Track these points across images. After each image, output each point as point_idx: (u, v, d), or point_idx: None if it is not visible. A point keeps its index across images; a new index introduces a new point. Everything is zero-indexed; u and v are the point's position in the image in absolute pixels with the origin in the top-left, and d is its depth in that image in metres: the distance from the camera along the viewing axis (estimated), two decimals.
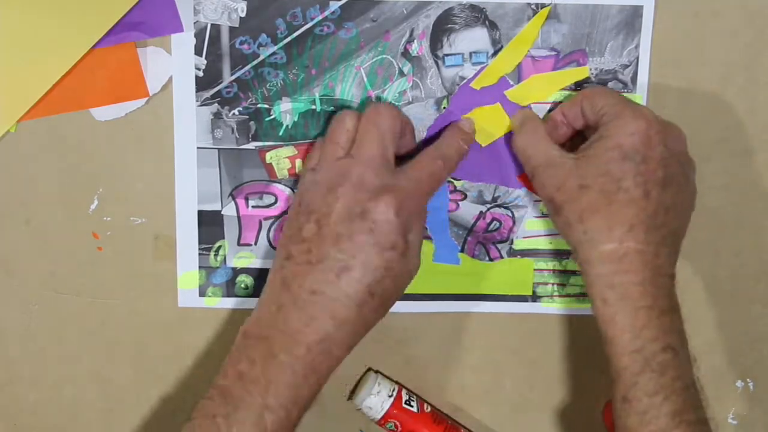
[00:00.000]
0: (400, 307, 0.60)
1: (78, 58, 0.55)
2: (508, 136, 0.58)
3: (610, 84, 0.58)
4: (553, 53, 0.58)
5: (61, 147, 0.58)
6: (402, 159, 0.55)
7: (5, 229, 0.59)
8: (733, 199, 0.61)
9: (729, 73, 0.59)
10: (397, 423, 0.60)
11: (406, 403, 0.60)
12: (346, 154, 0.53)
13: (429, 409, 0.61)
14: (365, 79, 0.58)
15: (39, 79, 0.56)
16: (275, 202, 0.59)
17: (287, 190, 0.59)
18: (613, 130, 0.52)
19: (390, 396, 0.60)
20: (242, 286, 0.61)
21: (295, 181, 0.59)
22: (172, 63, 0.57)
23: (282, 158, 0.59)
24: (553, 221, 0.54)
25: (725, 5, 0.58)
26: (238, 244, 0.60)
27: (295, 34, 0.57)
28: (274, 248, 0.60)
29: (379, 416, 0.60)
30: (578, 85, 0.58)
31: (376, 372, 0.62)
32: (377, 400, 0.60)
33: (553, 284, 0.61)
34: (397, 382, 0.62)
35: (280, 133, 0.58)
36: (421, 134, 0.58)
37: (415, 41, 0.57)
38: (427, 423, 0.60)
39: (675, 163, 0.52)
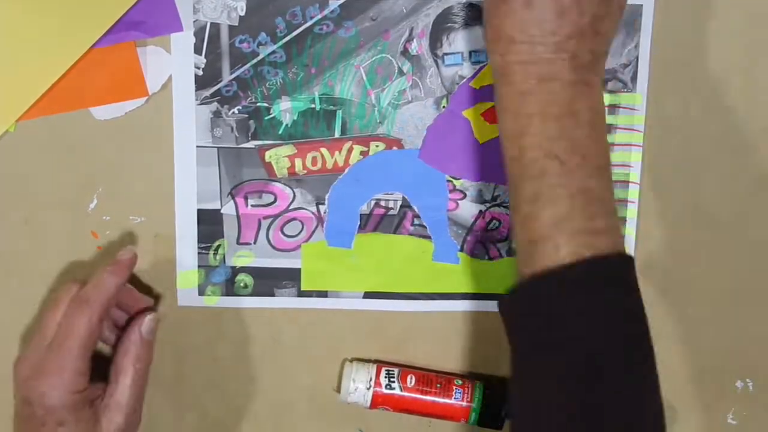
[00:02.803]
0: (399, 306, 0.61)
1: (78, 57, 0.55)
2: None
3: (609, 84, 0.58)
4: None
5: (61, 147, 0.58)
6: None
7: (5, 229, 0.59)
8: (733, 199, 0.61)
9: (729, 73, 0.59)
10: (388, 407, 0.60)
11: (387, 387, 0.60)
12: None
13: (413, 382, 0.60)
14: (365, 78, 0.58)
15: (39, 78, 0.56)
16: (274, 201, 0.59)
17: (287, 189, 0.59)
18: None
19: (368, 388, 0.60)
20: (241, 285, 0.61)
21: (295, 180, 0.59)
22: (171, 62, 0.57)
23: (281, 157, 0.59)
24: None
25: (725, 5, 0.58)
26: (238, 243, 0.60)
27: (295, 33, 0.57)
28: (273, 247, 0.60)
29: (367, 405, 0.60)
30: None
31: (351, 361, 0.61)
32: (358, 394, 0.60)
33: None
34: (376, 361, 0.61)
35: (280, 132, 0.58)
36: (421, 133, 0.58)
37: (415, 40, 0.57)
38: (414, 399, 0.60)
39: None
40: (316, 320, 0.61)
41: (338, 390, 0.62)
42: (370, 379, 0.60)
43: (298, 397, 0.63)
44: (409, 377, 0.60)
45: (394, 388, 0.60)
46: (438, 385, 0.60)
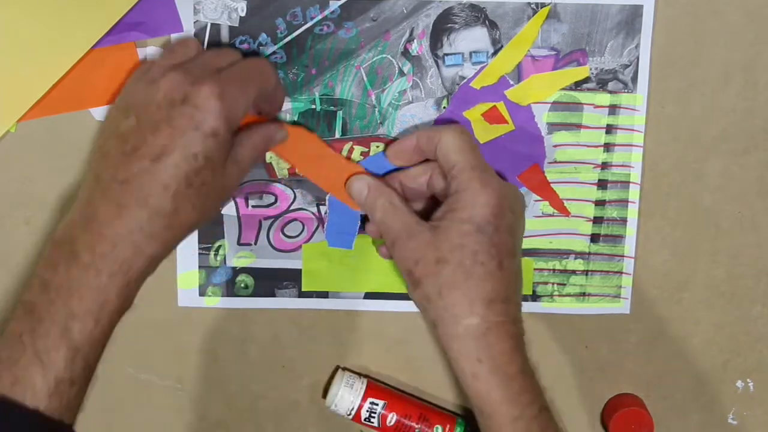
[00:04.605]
0: (399, 306, 0.61)
1: (78, 58, 0.55)
2: (508, 135, 0.58)
3: (610, 84, 0.58)
4: (553, 53, 0.58)
5: (61, 147, 0.58)
6: None
7: (5, 229, 0.59)
8: (733, 199, 0.61)
9: (729, 73, 0.59)
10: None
11: (366, 420, 0.60)
12: (176, 60, 0.51)
13: (393, 421, 0.60)
14: (365, 79, 0.58)
15: (39, 79, 0.56)
16: (275, 201, 0.59)
17: (287, 190, 0.59)
18: (464, 203, 0.52)
19: (348, 415, 0.60)
20: (242, 285, 0.60)
21: (296, 180, 0.59)
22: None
23: None
24: (412, 295, 0.53)
25: (725, 5, 0.58)
26: (238, 243, 0.60)
27: (295, 34, 0.57)
28: (274, 248, 0.60)
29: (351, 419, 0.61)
30: (578, 85, 0.58)
31: (343, 371, 0.61)
32: (340, 413, 0.60)
33: (552, 284, 0.61)
34: (365, 376, 0.61)
35: None
36: None
37: (415, 41, 0.57)
38: None
39: (520, 227, 0.54)
40: (316, 320, 0.61)
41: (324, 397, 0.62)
42: (352, 409, 0.60)
43: (298, 397, 0.63)
44: (390, 417, 0.60)
45: (373, 423, 0.60)
46: (417, 430, 0.60)
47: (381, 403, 0.60)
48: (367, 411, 0.60)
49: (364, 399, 0.60)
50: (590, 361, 0.62)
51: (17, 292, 0.60)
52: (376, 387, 0.61)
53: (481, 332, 0.51)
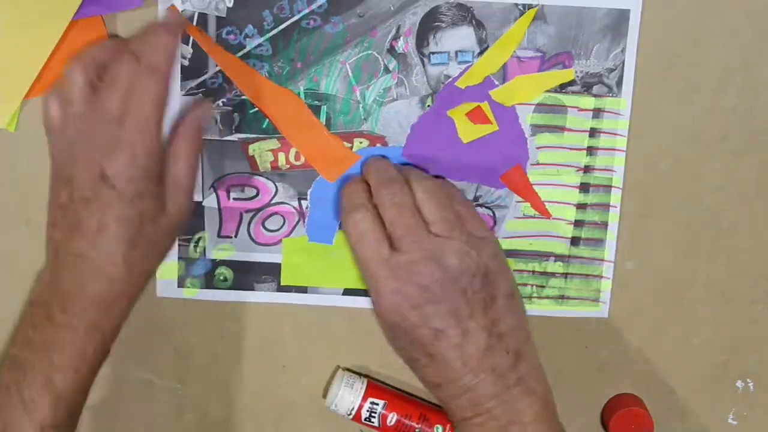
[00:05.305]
0: None
1: (61, 32, 0.55)
2: (491, 135, 0.58)
3: (594, 88, 0.58)
4: (539, 54, 0.58)
5: None
6: None
7: (5, 229, 0.59)
8: (733, 199, 0.61)
9: (729, 73, 0.59)
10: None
11: (366, 420, 0.60)
12: (77, 112, 0.52)
13: (394, 421, 0.60)
14: (350, 75, 0.58)
15: (31, 59, 0.55)
16: (257, 194, 0.59)
17: (269, 183, 0.59)
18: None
19: (349, 415, 0.60)
20: (221, 278, 0.60)
21: (278, 174, 0.59)
22: None
23: (265, 151, 0.58)
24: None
25: (725, 5, 0.58)
26: (219, 236, 0.60)
27: (282, 27, 0.57)
28: (254, 241, 0.60)
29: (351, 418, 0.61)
30: (563, 87, 0.58)
31: (343, 371, 0.61)
32: (340, 412, 0.60)
33: (532, 285, 0.61)
34: (365, 376, 0.61)
35: (264, 126, 0.58)
36: (405, 132, 0.58)
37: (401, 38, 0.57)
38: None
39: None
40: (316, 319, 0.61)
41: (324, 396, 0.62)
42: (352, 409, 0.60)
43: (298, 397, 0.63)
44: (390, 416, 0.60)
45: (373, 423, 0.60)
46: (417, 430, 0.60)
47: (381, 402, 0.60)
48: (368, 411, 0.60)
49: (364, 399, 0.60)
50: (590, 361, 0.62)
51: (17, 292, 0.59)
52: (376, 387, 0.61)
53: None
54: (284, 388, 0.62)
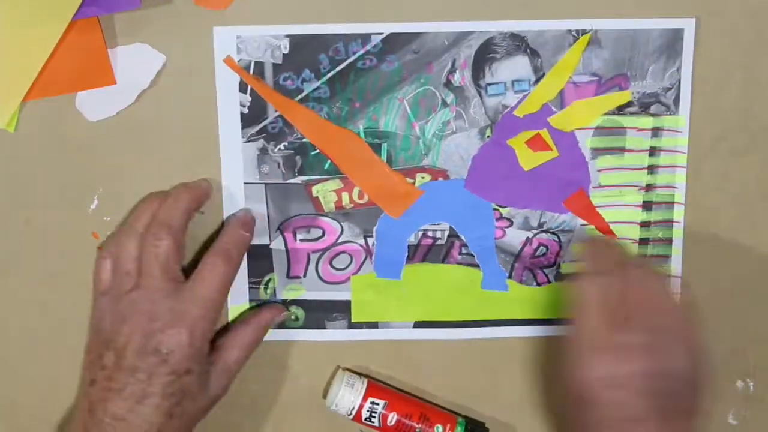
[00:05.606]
0: (450, 335, 0.61)
1: (61, 32, 0.55)
2: (552, 162, 0.59)
3: (652, 107, 0.58)
4: (595, 78, 0.58)
5: (61, 147, 0.58)
6: None
7: (5, 229, 0.59)
8: (733, 199, 0.61)
9: (729, 73, 0.59)
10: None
11: (367, 420, 0.60)
12: (134, 285, 0.54)
13: (394, 420, 0.60)
14: (409, 111, 0.58)
15: (31, 59, 0.55)
16: (323, 235, 0.60)
17: (334, 223, 0.60)
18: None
19: (349, 415, 0.60)
20: (293, 318, 0.61)
21: (342, 213, 0.59)
22: (158, 57, 0.57)
23: (328, 191, 0.59)
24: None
25: (725, 5, 0.58)
26: (288, 276, 0.61)
27: (338, 69, 0.58)
28: (323, 280, 0.61)
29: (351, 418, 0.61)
30: (620, 109, 0.58)
31: (343, 371, 0.62)
32: (340, 412, 0.60)
33: None
34: (365, 376, 0.61)
35: (326, 167, 0.59)
36: (466, 164, 0.59)
37: (457, 71, 0.58)
38: None
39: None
40: None
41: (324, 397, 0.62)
42: (352, 409, 0.60)
43: (298, 397, 0.63)
44: (390, 416, 0.60)
45: (373, 423, 0.60)
46: (418, 430, 0.60)
47: (381, 402, 0.60)
48: (368, 411, 0.60)
49: (364, 399, 0.60)
50: None
51: (17, 292, 0.60)
52: (376, 387, 0.61)
53: None
54: (284, 388, 0.63)
